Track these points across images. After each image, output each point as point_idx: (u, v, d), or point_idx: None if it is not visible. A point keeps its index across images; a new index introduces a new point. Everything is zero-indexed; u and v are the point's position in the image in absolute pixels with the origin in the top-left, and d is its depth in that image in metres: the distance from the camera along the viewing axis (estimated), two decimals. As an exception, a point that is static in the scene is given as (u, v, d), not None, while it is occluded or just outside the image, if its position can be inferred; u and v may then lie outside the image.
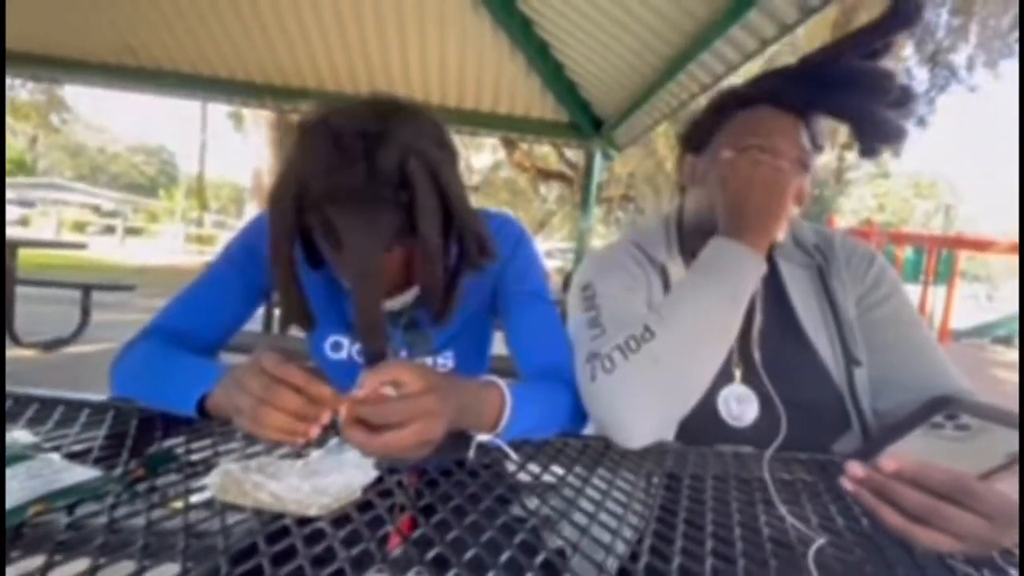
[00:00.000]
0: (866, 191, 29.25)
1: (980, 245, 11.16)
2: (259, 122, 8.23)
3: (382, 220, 0.52)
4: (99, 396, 0.57)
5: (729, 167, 0.70)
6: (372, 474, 0.41)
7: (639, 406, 0.62)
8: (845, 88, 0.70)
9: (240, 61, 3.04)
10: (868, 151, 0.73)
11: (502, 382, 0.57)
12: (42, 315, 3.91)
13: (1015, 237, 11.24)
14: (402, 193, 0.52)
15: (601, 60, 2.52)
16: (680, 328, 0.63)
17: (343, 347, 0.76)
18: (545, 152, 12.76)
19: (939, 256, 10.57)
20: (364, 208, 0.52)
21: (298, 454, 0.46)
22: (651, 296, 0.78)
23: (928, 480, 0.37)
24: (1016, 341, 12.14)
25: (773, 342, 0.75)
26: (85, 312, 3.40)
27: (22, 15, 2.70)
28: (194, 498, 0.37)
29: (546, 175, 13.66)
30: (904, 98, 0.69)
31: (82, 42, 2.93)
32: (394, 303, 0.71)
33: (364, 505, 0.39)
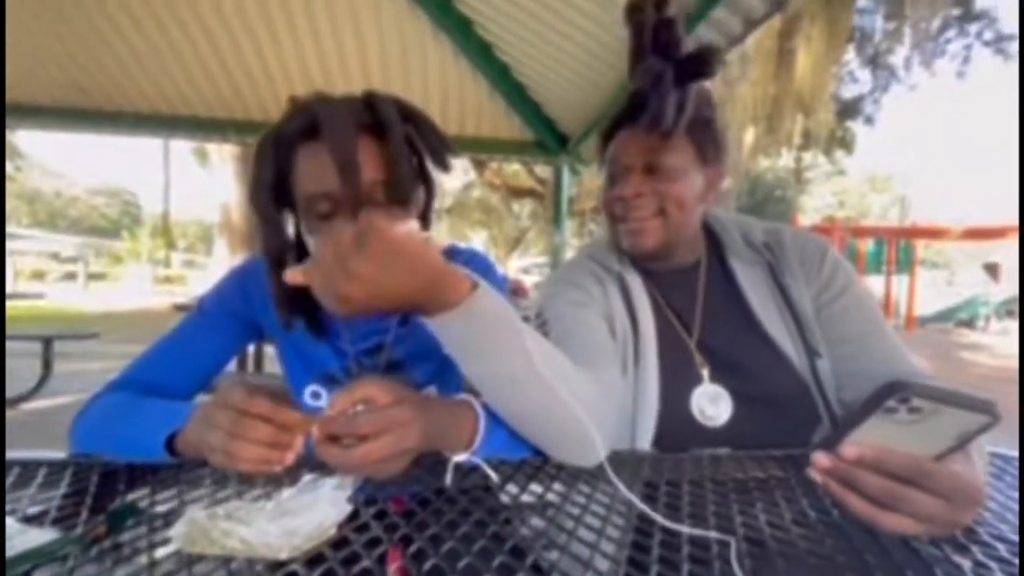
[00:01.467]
0: (825, 189, 30.42)
1: (935, 233, 11.70)
2: (224, 157, 8.13)
3: (354, 109, 0.62)
4: (58, 453, 0.55)
5: None
6: (346, 509, 0.40)
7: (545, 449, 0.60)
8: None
9: (200, 96, 3.01)
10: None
11: (474, 399, 0.57)
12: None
13: (968, 224, 11.84)
14: (367, 112, 0.63)
15: (561, 78, 2.60)
16: (490, 397, 0.56)
17: (322, 396, 0.76)
18: (515, 170, 12.93)
19: (898, 246, 11.03)
20: (337, 104, 0.63)
21: (269, 495, 0.45)
22: (610, 306, 0.79)
23: (888, 465, 0.38)
24: (979, 323, 12.72)
25: (733, 339, 0.77)
26: (46, 365, 3.25)
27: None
28: (160, 552, 0.35)
29: (517, 192, 13.81)
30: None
31: (31, 84, 2.86)
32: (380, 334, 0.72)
33: (339, 542, 0.38)
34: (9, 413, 3.11)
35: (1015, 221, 9.83)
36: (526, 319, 0.60)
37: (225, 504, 0.38)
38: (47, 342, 3.21)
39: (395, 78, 2.86)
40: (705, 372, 0.76)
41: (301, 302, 0.68)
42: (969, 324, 12.87)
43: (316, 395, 0.76)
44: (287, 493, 0.43)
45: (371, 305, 0.43)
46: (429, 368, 0.78)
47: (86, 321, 7.74)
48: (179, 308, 2.77)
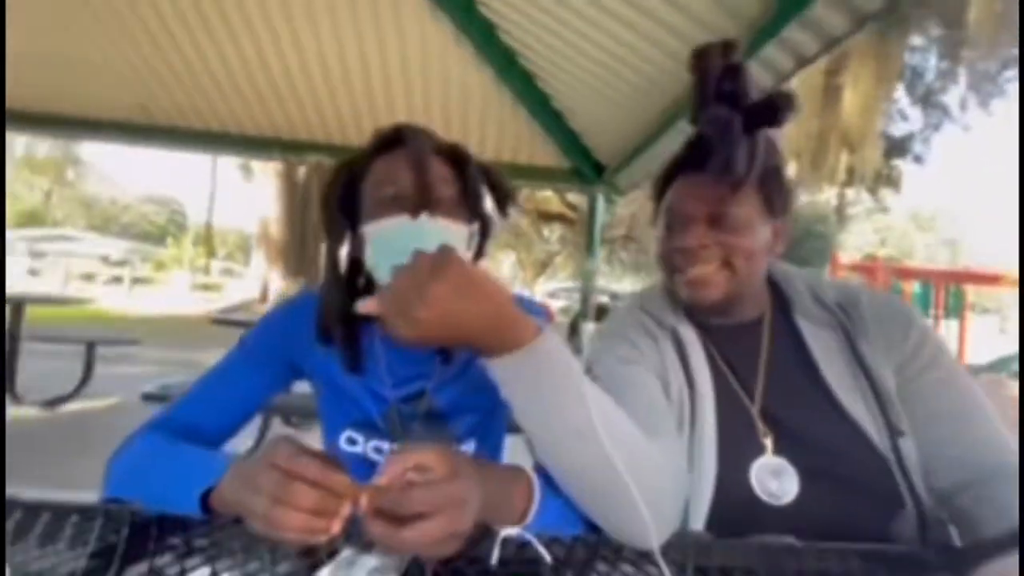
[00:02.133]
0: (866, 226, 29.45)
1: (988, 279, 11.05)
2: (268, 172, 8.46)
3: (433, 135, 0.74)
4: (90, 496, 0.53)
5: None
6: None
7: (596, 519, 0.55)
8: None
9: (249, 116, 3.14)
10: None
11: (529, 469, 0.53)
12: (49, 370, 3.87)
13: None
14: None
15: (603, 107, 2.58)
16: (545, 451, 0.52)
17: (358, 442, 0.73)
18: (546, 194, 12.99)
19: (947, 291, 10.48)
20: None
21: (304, 571, 0.41)
22: (663, 363, 0.73)
23: None
24: (1034, 375, 11.86)
25: (801, 407, 0.69)
26: (88, 367, 3.36)
27: (43, 79, 2.82)
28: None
29: (548, 217, 13.86)
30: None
31: (98, 102, 3.04)
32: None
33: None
34: (49, 414, 3.22)
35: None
36: None
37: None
38: (90, 346, 3.33)
39: (436, 106, 2.91)
40: (768, 442, 0.69)
41: (347, 333, 0.69)
42: (1024, 375, 12.03)
43: (352, 441, 0.73)
44: (325, 571, 0.39)
45: (440, 333, 0.44)
46: (470, 420, 0.74)
47: (129, 324, 8.06)
48: (216, 322, 2.83)
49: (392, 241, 0.65)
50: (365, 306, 0.46)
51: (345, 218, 0.71)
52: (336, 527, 0.40)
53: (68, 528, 0.46)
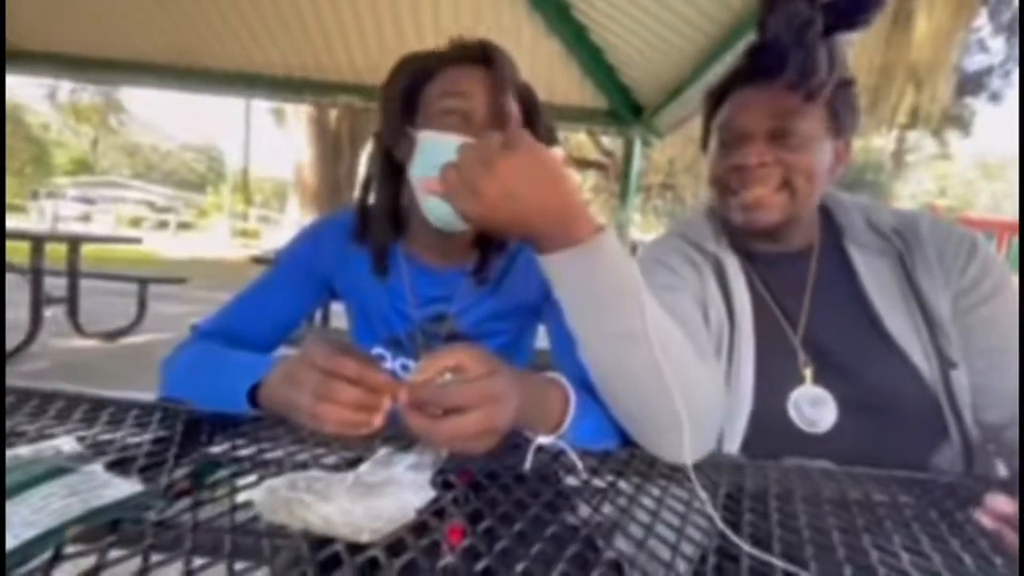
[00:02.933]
0: (924, 174, 27.38)
1: (1057, 231, 10.26)
2: (300, 118, 8.43)
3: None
4: (148, 395, 0.57)
5: None
6: (428, 495, 0.37)
7: (635, 435, 0.54)
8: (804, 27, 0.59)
9: (280, 58, 3.10)
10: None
11: (566, 381, 0.53)
12: (103, 306, 4.14)
13: (1099, 221, 10.28)
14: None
15: (642, 43, 2.42)
16: (595, 357, 0.52)
17: (386, 359, 0.75)
18: (580, 141, 12.55)
19: (1009, 243, 9.78)
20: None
21: (346, 464, 0.43)
22: (704, 291, 0.71)
23: None
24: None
25: (846, 337, 0.66)
26: (142, 304, 3.58)
27: (80, 23, 2.83)
28: (240, 516, 0.34)
29: (582, 164, 13.44)
30: None
31: (135, 46, 3.05)
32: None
33: (418, 527, 0.36)
34: (108, 346, 3.46)
35: None
36: None
37: (305, 474, 0.36)
38: (143, 284, 3.53)
39: (467, 34, 2.79)
40: (808, 372, 0.67)
41: (384, 233, 0.71)
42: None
43: (381, 358, 0.75)
44: (365, 467, 0.40)
45: (502, 213, 0.43)
46: (493, 346, 0.74)
47: (175, 267, 8.46)
48: (256, 260, 2.93)
49: (447, 156, 0.63)
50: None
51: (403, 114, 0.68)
52: (378, 420, 0.41)
53: (130, 420, 0.49)
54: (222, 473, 0.40)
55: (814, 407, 0.65)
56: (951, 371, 0.62)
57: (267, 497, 0.33)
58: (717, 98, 0.72)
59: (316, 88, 3.29)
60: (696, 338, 0.65)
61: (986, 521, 0.34)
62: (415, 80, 0.67)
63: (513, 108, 0.66)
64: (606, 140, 11.05)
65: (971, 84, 10.15)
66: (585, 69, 2.85)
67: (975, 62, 10.03)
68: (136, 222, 19.84)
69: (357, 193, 0.73)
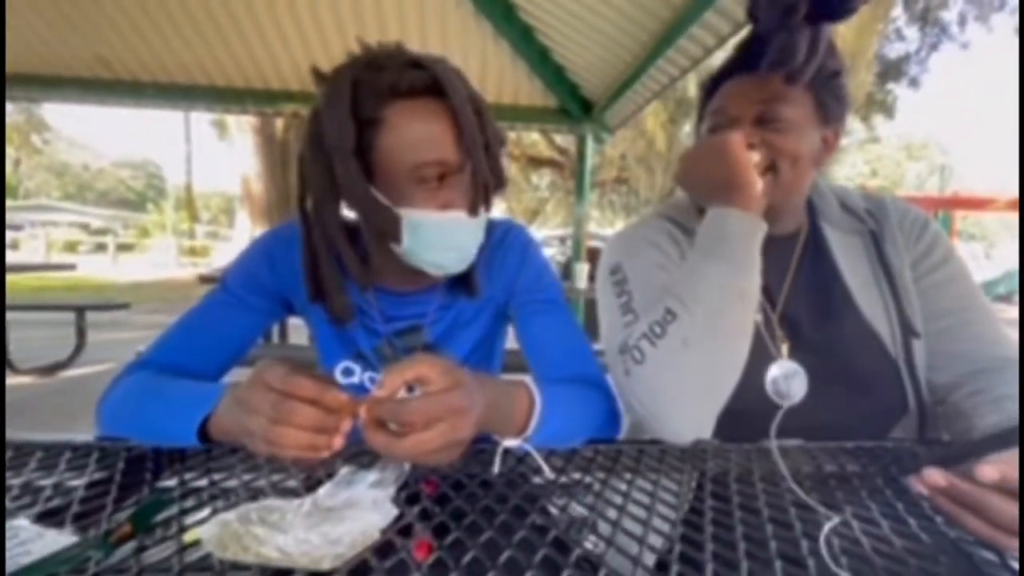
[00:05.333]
0: (857, 157, 29.08)
1: (976, 204, 11.14)
2: (243, 128, 8.10)
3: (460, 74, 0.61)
4: (84, 436, 0.52)
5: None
6: (391, 513, 0.36)
7: (677, 394, 0.58)
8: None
9: (219, 67, 2.97)
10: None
11: (531, 383, 0.53)
12: (38, 340, 3.85)
13: (1012, 193, 11.23)
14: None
15: (587, 41, 2.46)
16: (701, 303, 0.60)
17: (354, 372, 0.72)
18: (534, 139, 12.64)
19: (936, 217, 10.52)
20: (448, 64, 0.60)
21: (304, 490, 0.41)
22: None
23: None
24: (1015, 298, 12.20)
25: (820, 314, 0.70)
26: (81, 334, 3.35)
27: (-12, 33, 2.62)
28: (190, 556, 0.32)
29: (537, 163, 13.54)
30: None
31: (54, 57, 2.85)
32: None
33: (383, 547, 0.35)
34: (45, 381, 3.23)
35: (1065, 190, 9.24)
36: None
37: (258, 503, 0.35)
38: (80, 312, 3.30)
39: (414, 40, 2.75)
40: (784, 347, 0.69)
41: (330, 282, 0.65)
42: (1007, 299, 12.36)
43: (348, 371, 0.72)
44: (324, 490, 0.39)
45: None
46: (463, 350, 0.73)
47: (117, 291, 7.96)
48: (204, 279, 2.79)
49: (442, 236, 0.60)
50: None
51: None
52: (338, 442, 0.40)
53: (62, 463, 0.45)
54: (169, 511, 0.38)
55: (787, 381, 0.67)
56: (913, 340, 0.67)
57: (217, 532, 0.31)
58: (709, 89, 0.73)
59: (259, 97, 3.17)
60: None
61: (920, 489, 0.37)
62: (360, 126, 0.57)
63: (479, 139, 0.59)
64: (559, 138, 11.17)
65: (892, 71, 10.85)
66: (534, 69, 2.87)
67: (894, 50, 10.73)
68: (71, 246, 18.58)
69: (305, 259, 0.64)
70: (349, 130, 0.55)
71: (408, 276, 0.68)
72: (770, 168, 0.66)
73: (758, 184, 0.62)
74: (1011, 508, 0.33)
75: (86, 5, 2.48)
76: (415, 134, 0.57)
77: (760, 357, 0.68)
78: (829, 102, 0.67)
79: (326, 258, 0.63)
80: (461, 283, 0.71)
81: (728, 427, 0.65)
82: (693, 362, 0.58)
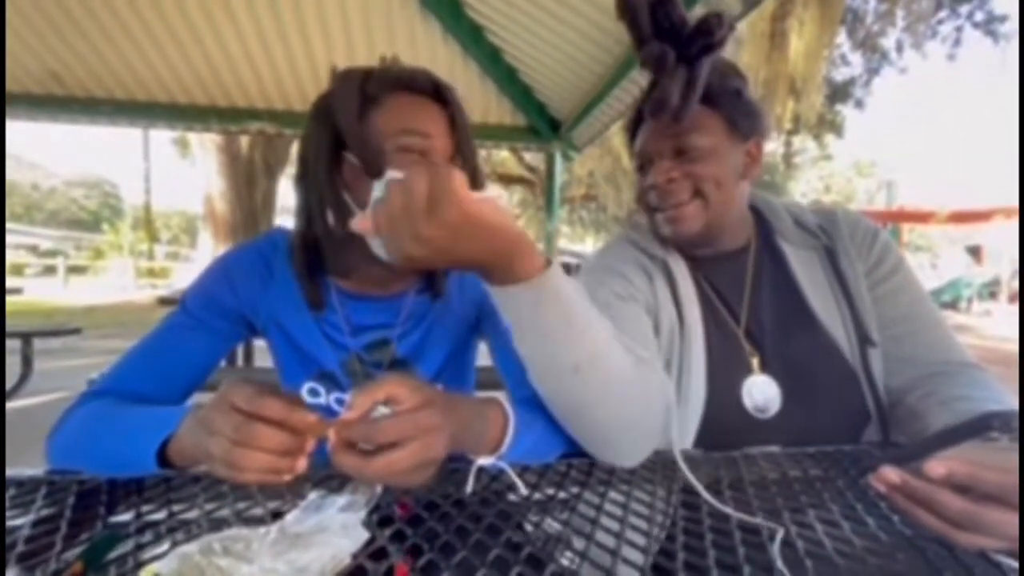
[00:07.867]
0: (811, 174, 30.57)
1: (921, 217, 11.84)
2: (206, 147, 7.91)
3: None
4: (33, 469, 0.49)
5: None
6: (361, 538, 0.35)
7: (591, 442, 0.55)
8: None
9: (180, 84, 2.90)
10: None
11: (503, 399, 0.53)
12: (-22, 369, 3.60)
13: (953, 208, 12.00)
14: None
15: (553, 62, 2.53)
16: (543, 385, 0.52)
17: (320, 394, 0.70)
18: (504, 157, 12.79)
19: (885, 229, 11.12)
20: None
21: (274, 514, 0.40)
22: (656, 297, 0.75)
23: (980, 484, 0.34)
24: (961, 305, 12.96)
25: (782, 327, 0.73)
26: (27, 362, 3.15)
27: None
28: (146, 593, 0.30)
29: (507, 180, 13.68)
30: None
31: (3, 73, 2.72)
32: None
33: (356, 572, 0.34)
34: (-12, 414, 3.01)
35: (999, 204, 9.95)
36: None
37: (221, 534, 0.33)
38: (27, 339, 3.11)
39: (375, 52, 2.76)
40: (755, 361, 0.72)
41: (316, 267, 0.67)
42: (953, 306, 13.10)
43: (314, 392, 0.70)
44: (291, 516, 0.38)
45: (445, 256, 0.41)
46: (434, 365, 0.73)
47: (68, 315, 7.55)
48: (164, 301, 2.69)
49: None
50: (360, 223, 0.42)
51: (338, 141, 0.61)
52: (301, 465, 0.39)
53: (6, 501, 0.43)
54: (124, 546, 0.36)
55: (764, 394, 0.69)
56: (870, 349, 0.70)
57: (177, 566, 0.30)
58: (632, 130, 0.78)
59: (223, 115, 3.10)
60: (643, 343, 0.68)
61: (878, 487, 0.38)
62: (364, 100, 0.61)
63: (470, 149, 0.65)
64: (529, 156, 11.34)
65: (839, 93, 11.55)
66: (503, 89, 2.92)
67: (840, 73, 11.47)
68: (17, 269, 17.58)
69: (298, 223, 0.66)
70: (354, 97, 0.61)
71: (379, 277, 0.69)
72: (697, 194, 0.70)
73: (531, 247, 0.46)
74: (957, 502, 0.35)
75: (37, 19, 2.40)
76: (405, 110, 0.62)
77: (734, 371, 0.70)
78: (739, 119, 0.71)
79: (321, 220, 0.64)
80: (428, 287, 0.72)
81: (707, 439, 0.66)
82: (568, 427, 0.55)
